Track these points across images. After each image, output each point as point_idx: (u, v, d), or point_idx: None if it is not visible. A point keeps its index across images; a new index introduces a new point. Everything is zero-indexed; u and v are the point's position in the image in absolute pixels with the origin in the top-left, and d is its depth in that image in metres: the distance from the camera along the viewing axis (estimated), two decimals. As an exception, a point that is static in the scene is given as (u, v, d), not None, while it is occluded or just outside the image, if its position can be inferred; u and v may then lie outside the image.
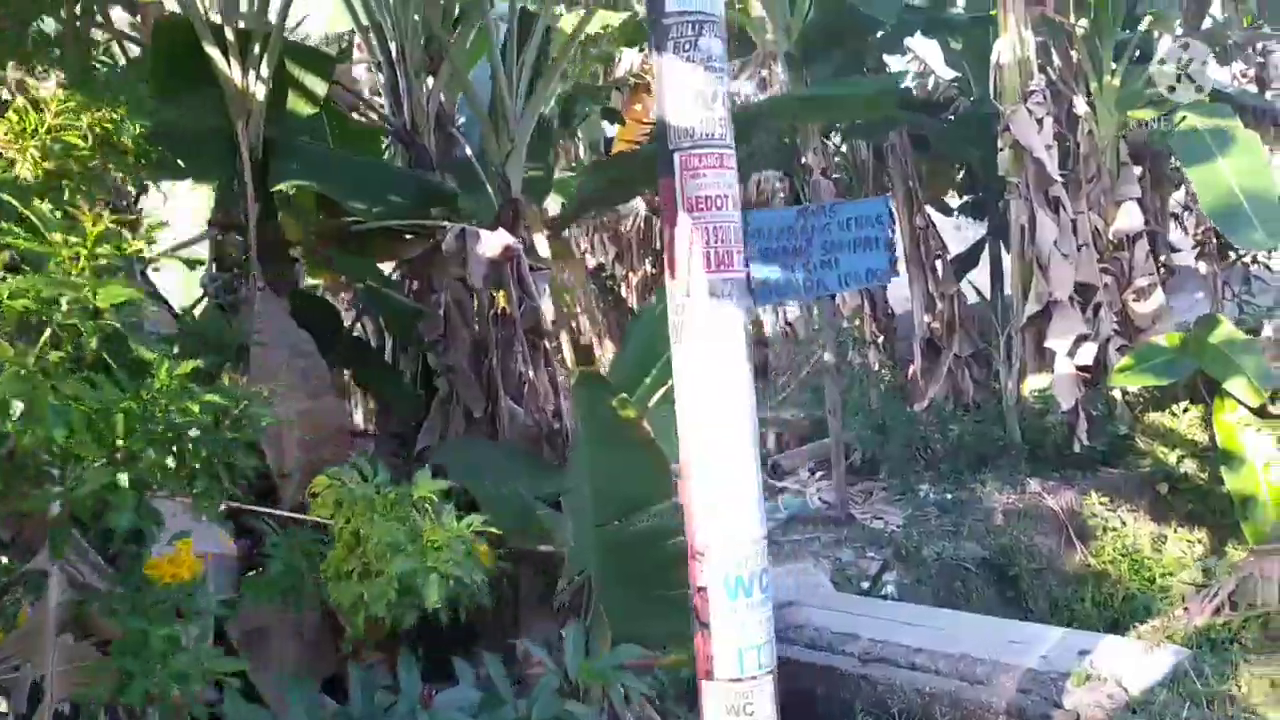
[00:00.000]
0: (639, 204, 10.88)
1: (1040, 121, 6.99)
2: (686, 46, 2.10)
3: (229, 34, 3.31)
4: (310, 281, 4.75)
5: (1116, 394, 7.60)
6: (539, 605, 3.62)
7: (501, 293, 3.65)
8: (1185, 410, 7.49)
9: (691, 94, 2.11)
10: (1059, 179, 6.94)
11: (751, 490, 2.14)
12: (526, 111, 3.75)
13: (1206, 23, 8.98)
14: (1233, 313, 12.54)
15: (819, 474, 7.64)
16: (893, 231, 6.75)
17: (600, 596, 3.49)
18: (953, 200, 10.59)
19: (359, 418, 5.37)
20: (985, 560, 6.24)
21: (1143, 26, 7.57)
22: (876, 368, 8.40)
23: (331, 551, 2.18)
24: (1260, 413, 6.86)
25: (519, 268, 3.39)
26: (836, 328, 8.54)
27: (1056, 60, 7.78)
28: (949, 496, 6.90)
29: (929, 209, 9.83)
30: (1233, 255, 12.26)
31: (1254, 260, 11.98)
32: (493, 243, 3.35)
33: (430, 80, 4.26)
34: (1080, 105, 7.74)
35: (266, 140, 3.37)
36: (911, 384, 8.33)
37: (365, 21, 4.41)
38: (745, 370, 2.15)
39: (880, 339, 8.45)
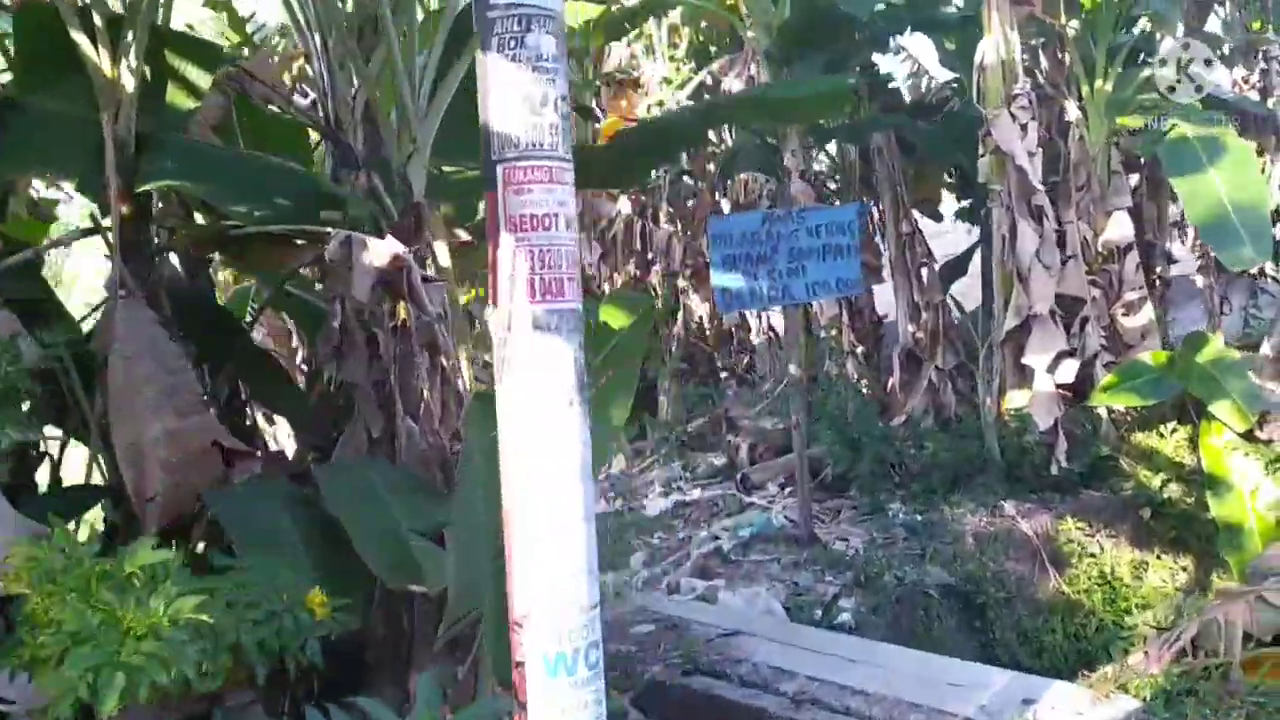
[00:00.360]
0: (624, 203, 10.61)
1: (1024, 127, 6.66)
2: (512, 44, 1.82)
3: (97, 19, 3.05)
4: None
5: (1102, 413, 7.29)
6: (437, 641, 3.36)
7: (401, 304, 3.39)
8: (1173, 431, 7.17)
9: (517, 97, 1.83)
10: (1040, 187, 6.62)
11: (580, 555, 1.87)
12: (431, 111, 3.48)
13: (1213, 25, 8.63)
14: (1236, 327, 12.21)
15: (789, 489, 7.35)
16: (864, 239, 6.47)
17: (493, 635, 3.23)
18: (951, 205, 10.29)
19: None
20: (951, 587, 5.94)
21: (1139, 29, 7.23)
22: (855, 378, 8.09)
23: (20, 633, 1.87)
24: (1249, 436, 6.54)
25: (410, 279, 3.12)
26: (803, 336, 8.26)
27: (1045, 63, 7.44)
28: (919, 517, 6.60)
29: (917, 215, 9.54)
30: (1238, 267, 11.96)
31: (1261, 273, 11.63)
32: (380, 251, 3.09)
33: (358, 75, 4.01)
34: (1072, 110, 7.41)
35: (140, 135, 3.12)
36: (891, 397, 8.03)
37: (297, 10, 4.17)
38: (576, 417, 1.87)
39: (859, 348, 8.15)
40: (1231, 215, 5.85)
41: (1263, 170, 8.30)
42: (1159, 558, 6.81)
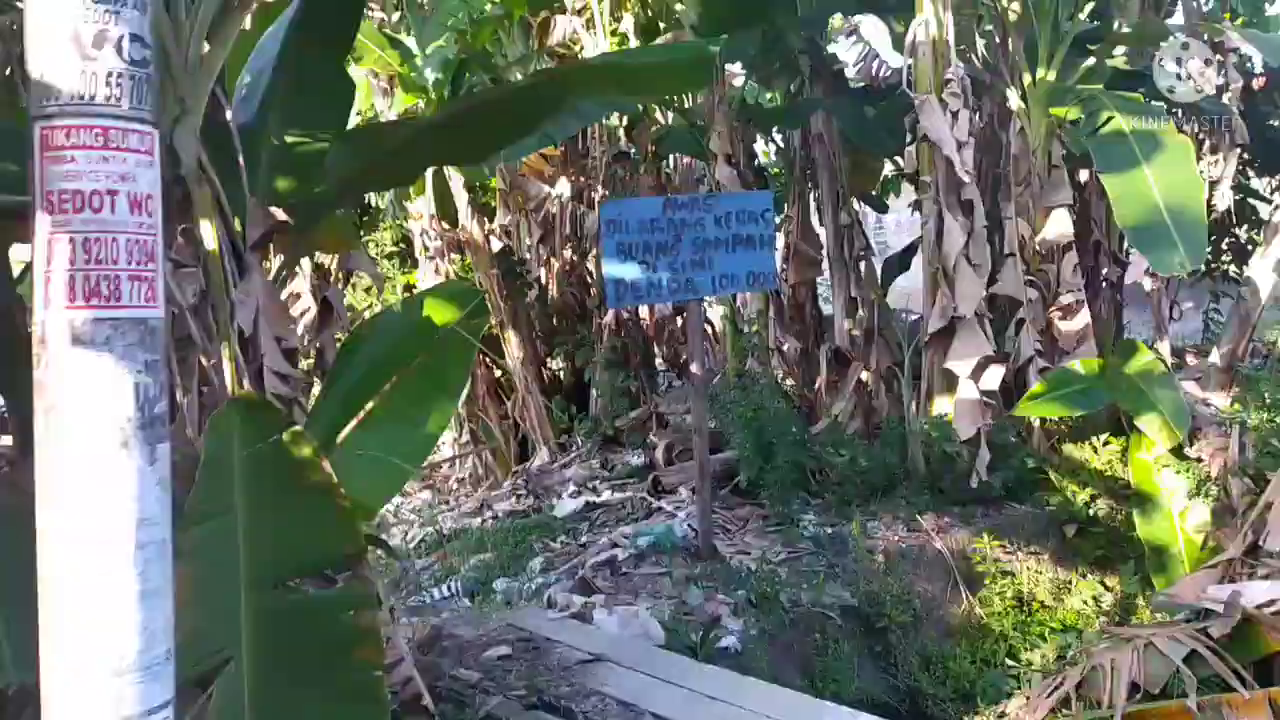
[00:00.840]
0: (563, 183, 10.14)
1: (955, 115, 6.22)
2: (53, -39, 1.36)
3: None
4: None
5: (1036, 421, 6.89)
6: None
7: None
8: (1105, 443, 6.76)
9: (63, 34, 1.37)
10: (968, 179, 6.18)
11: (128, 651, 1.42)
12: (203, 69, 3.01)
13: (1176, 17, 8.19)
14: (1196, 330, 11.83)
15: (700, 494, 6.92)
16: (777, 229, 6.02)
17: (247, 682, 2.79)
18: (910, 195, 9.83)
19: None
20: (852, 608, 5.53)
21: (1087, 12, 6.78)
22: (781, 377, 7.65)
23: None
24: (1179, 453, 6.16)
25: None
26: (729, 331, 7.85)
27: (982, 48, 6.99)
28: (829, 531, 6.19)
29: (862, 205, 9.11)
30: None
31: (1224, 275, 11.28)
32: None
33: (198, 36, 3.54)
34: (1013, 99, 6.98)
35: None
36: (819, 399, 7.60)
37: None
38: (130, 463, 1.42)
39: (784, 345, 7.70)
40: (1164, 216, 5.43)
41: (1216, 167, 7.92)
42: (1084, 577, 6.44)
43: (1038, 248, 6.98)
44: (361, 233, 13.02)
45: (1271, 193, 10.37)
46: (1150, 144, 5.70)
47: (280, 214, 3.70)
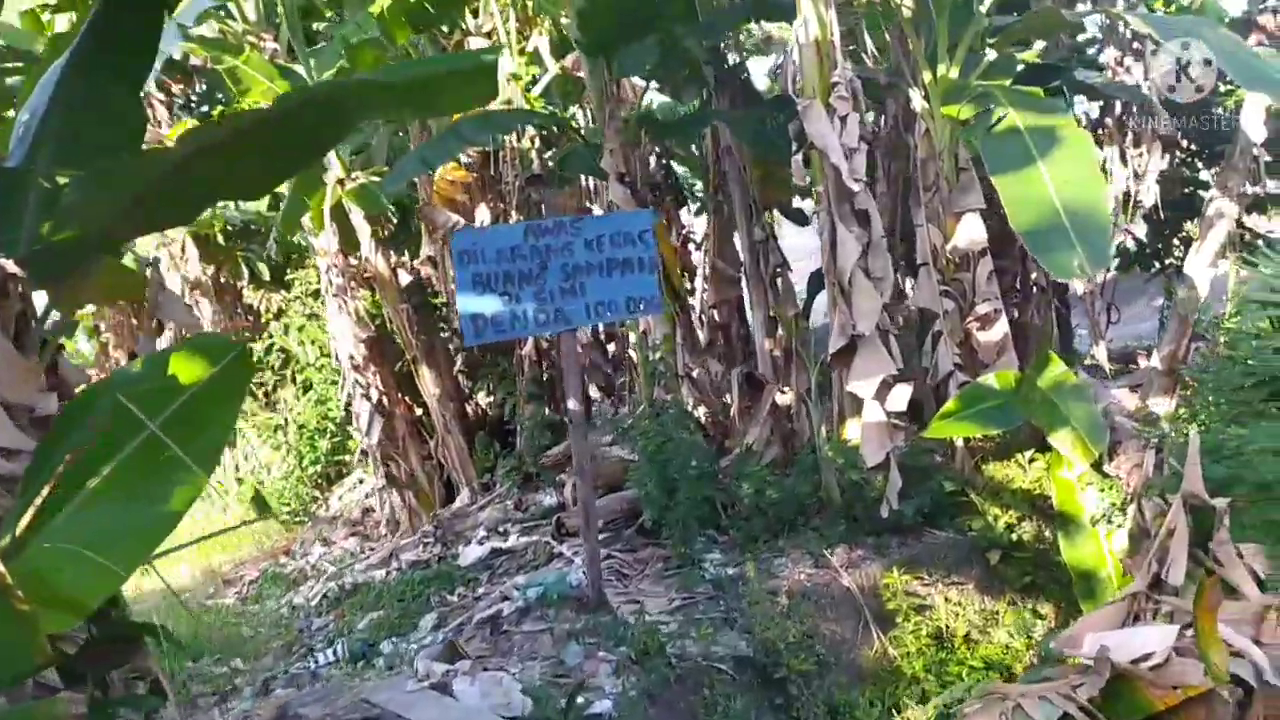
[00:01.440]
0: (483, 209, 9.74)
1: (844, 119, 5.82)
2: None
3: None
4: None
5: (959, 441, 6.47)
6: None
7: None
8: (1032, 460, 6.35)
9: None
10: (856, 187, 5.77)
11: None
12: None
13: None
14: (1150, 330, 11.43)
15: (606, 535, 6.48)
16: (658, 250, 5.63)
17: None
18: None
19: None
20: (748, 659, 5.08)
21: (986, 6, 6.40)
22: (693, 405, 7.21)
23: None
24: (1101, 468, 5.72)
25: None
26: (639, 358, 7.45)
27: (872, 45, 6.61)
28: (733, 571, 5.75)
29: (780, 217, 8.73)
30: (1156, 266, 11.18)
31: (1178, 270, 10.90)
32: None
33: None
34: (917, 100, 6.59)
35: None
36: (732, 426, 7.17)
37: None
38: None
39: (694, 371, 7.27)
40: (1062, 216, 5.03)
41: (1141, 160, 7.56)
42: (1011, 606, 6.00)
43: (951, 256, 6.58)
44: (289, 272, 12.65)
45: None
46: (1047, 140, 5.30)
47: (9, 265, 3.30)
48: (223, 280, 12.69)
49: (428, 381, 9.12)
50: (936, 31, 6.41)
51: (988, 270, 6.51)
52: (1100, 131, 8.18)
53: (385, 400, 9.31)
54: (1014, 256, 7.79)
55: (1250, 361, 4.24)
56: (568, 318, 5.29)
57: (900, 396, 5.85)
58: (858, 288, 5.78)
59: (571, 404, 5.35)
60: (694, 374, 7.13)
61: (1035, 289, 7.88)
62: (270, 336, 12.38)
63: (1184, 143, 9.75)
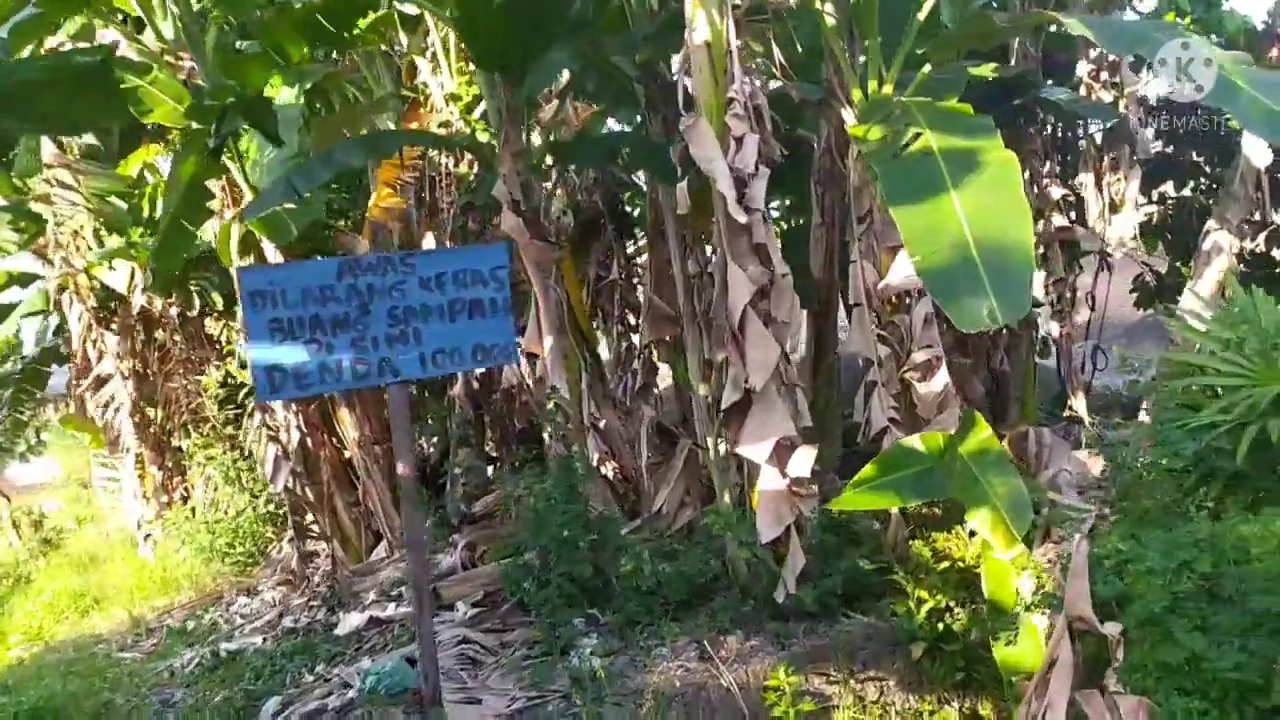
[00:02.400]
0: (430, 239, 9.11)
1: (739, 140, 5.04)
2: None
3: None
4: None
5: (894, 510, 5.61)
6: None
7: None
8: (972, 534, 5.45)
9: None
10: (743, 218, 4.97)
11: None
12: None
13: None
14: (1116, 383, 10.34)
15: (480, 610, 5.71)
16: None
17: None
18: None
19: None
20: (593, 778, 4.27)
21: (924, 13, 5.58)
22: (597, 460, 6.43)
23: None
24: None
25: None
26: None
27: (779, 56, 5.81)
28: (600, 662, 4.94)
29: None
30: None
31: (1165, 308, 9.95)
32: None
33: None
34: (850, 120, 5.80)
35: None
36: (642, 485, 6.37)
37: None
38: None
39: (602, 421, 6.48)
40: (974, 254, 4.18)
41: (1117, 187, 6.67)
42: (942, 706, 5.11)
43: (884, 296, 5.75)
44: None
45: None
46: (964, 164, 4.47)
47: None
48: (178, 311, 12.19)
49: (347, 424, 8.44)
50: (867, 44, 5.63)
51: (925, 312, 5.66)
52: (1042, 159, 7.21)
53: (309, 442, 8.65)
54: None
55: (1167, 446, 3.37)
56: (396, 369, 4.57)
57: (803, 461, 5.02)
58: (751, 335, 4.97)
59: (401, 468, 4.61)
60: (601, 424, 6.35)
61: (1007, 331, 7.00)
62: (226, 367, 11.85)
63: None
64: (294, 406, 8.53)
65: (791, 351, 5.28)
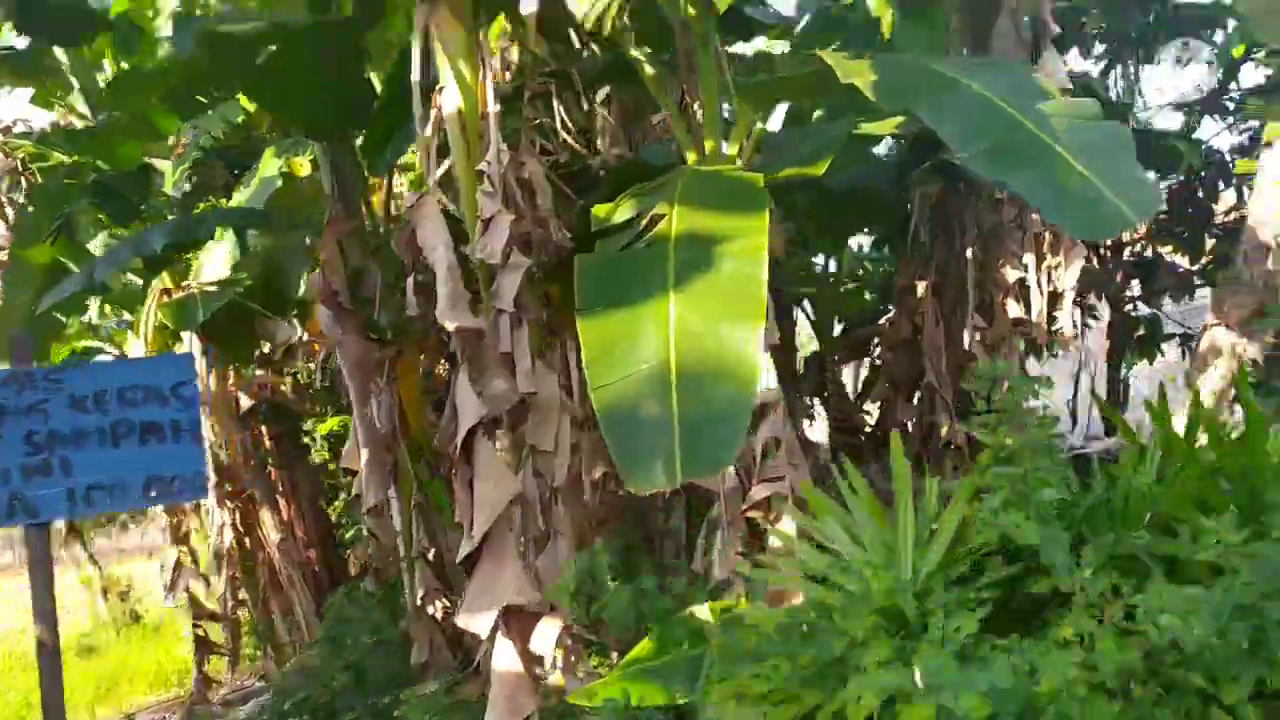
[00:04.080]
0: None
1: (487, 223, 4.01)
2: None
3: None
4: None
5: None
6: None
7: None
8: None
9: None
10: (473, 322, 3.91)
11: None
12: None
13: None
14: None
15: None
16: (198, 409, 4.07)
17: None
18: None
19: None
20: None
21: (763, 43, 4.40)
22: (423, 596, 5.41)
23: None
24: None
25: None
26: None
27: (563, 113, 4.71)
28: None
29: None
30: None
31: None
32: None
33: None
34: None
35: None
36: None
37: None
38: None
39: (433, 552, 5.47)
40: (670, 391, 2.98)
41: (1057, 273, 5.17)
42: None
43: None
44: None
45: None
46: (705, 255, 3.27)
47: None
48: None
49: (268, 526, 7.78)
50: (702, 97, 4.49)
51: (771, 433, 4.38)
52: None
53: (246, 541, 8.03)
54: (911, 404, 5.56)
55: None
56: (34, 508, 3.79)
57: (548, 635, 3.85)
58: (480, 465, 3.88)
59: (39, 630, 3.81)
60: (429, 555, 5.37)
61: (948, 447, 5.51)
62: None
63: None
64: (229, 504, 7.92)
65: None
